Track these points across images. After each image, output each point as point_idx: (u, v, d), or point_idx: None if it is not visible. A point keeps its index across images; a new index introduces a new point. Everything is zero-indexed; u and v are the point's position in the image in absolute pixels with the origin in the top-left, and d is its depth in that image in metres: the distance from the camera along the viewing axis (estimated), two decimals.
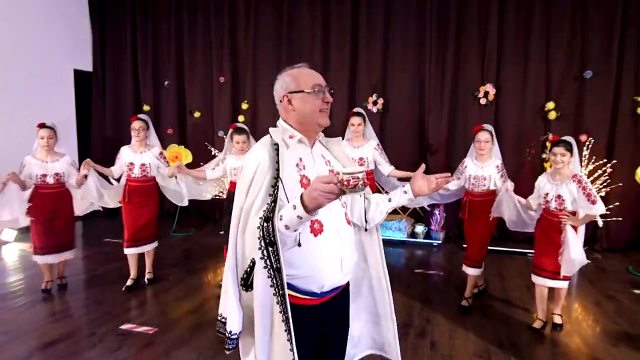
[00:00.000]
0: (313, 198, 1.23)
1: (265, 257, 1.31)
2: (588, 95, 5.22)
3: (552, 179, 3.14)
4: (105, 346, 2.98)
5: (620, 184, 4.98)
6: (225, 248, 3.83)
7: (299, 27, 6.26)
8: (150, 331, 3.20)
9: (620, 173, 5.03)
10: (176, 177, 4.10)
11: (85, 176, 3.77)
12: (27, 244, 4.34)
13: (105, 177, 4.09)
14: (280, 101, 1.52)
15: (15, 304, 3.66)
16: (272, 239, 1.30)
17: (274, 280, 1.32)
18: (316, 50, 6.14)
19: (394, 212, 5.67)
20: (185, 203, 4.27)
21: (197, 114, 6.84)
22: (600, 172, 5.01)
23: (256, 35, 6.45)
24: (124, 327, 3.26)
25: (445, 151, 5.75)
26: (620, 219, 4.98)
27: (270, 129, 1.50)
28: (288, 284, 1.37)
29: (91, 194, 3.93)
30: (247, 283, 1.39)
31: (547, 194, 3.14)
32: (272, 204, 1.32)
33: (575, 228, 3.05)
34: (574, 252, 3.00)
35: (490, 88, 5.47)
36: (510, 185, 3.34)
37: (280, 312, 1.32)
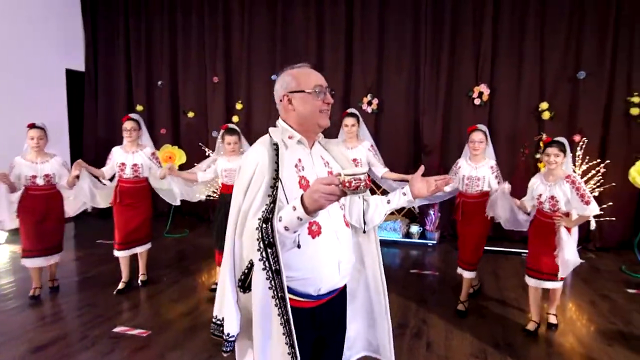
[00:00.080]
0: (314, 200, 1.21)
1: (264, 259, 1.30)
2: (581, 96, 5.26)
3: (545, 180, 3.14)
4: (98, 349, 2.94)
5: (614, 184, 5.02)
6: (216, 252, 3.79)
7: (293, 28, 6.25)
8: (143, 334, 3.16)
9: (614, 173, 5.06)
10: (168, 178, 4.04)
11: (77, 177, 3.72)
12: (17, 245, 4.29)
13: (97, 178, 4.04)
14: (280, 100, 1.50)
15: (6, 307, 3.60)
16: (272, 240, 1.28)
17: (273, 282, 1.30)
18: (310, 51, 6.13)
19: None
20: (178, 202, 4.23)
21: (190, 114, 6.80)
22: (593, 172, 5.04)
23: (250, 35, 6.42)
24: (116, 329, 3.22)
25: (439, 152, 5.77)
26: (614, 218, 5.02)
27: (270, 129, 1.48)
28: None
29: (84, 194, 3.88)
30: (244, 284, 1.37)
31: (540, 195, 3.14)
32: (272, 205, 1.30)
33: (568, 229, 3.05)
34: (567, 253, 3.00)
35: (484, 88, 5.49)
36: (507, 187, 3.33)
37: (279, 314, 1.31)
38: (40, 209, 3.67)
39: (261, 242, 1.29)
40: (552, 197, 3.06)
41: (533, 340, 3.10)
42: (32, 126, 3.65)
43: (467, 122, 5.24)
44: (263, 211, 1.31)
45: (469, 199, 3.55)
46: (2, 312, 3.51)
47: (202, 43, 6.65)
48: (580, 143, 5.08)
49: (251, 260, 1.34)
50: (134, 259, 4.08)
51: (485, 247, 3.70)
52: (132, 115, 3.99)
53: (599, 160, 5.09)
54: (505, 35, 5.47)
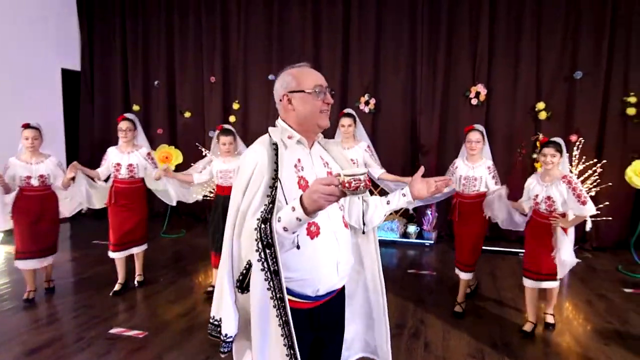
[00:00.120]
0: (313, 200, 1.20)
1: (263, 260, 1.29)
2: (578, 96, 5.27)
3: (541, 180, 3.13)
4: (94, 351, 2.92)
5: (610, 184, 5.03)
6: (212, 254, 3.78)
7: (289, 27, 6.24)
8: (140, 335, 3.14)
9: (610, 173, 5.08)
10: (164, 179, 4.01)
11: (73, 179, 3.67)
12: (12, 246, 4.25)
13: (92, 179, 4.00)
14: (280, 100, 1.49)
15: (1, 308, 3.57)
16: (270, 240, 1.27)
17: (271, 283, 1.29)
18: (307, 51, 6.12)
19: None
20: (174, 203, 4.20)
21: (187, 114, 6.78)
22: (590, 172, 5.05)
23: (247, 35, 6.41)
24: (113, 331, 3.20)
25: (436, 151, 5.77)
26: (610, 218, 5.04)
27: (269, 129, 1.47)
28: None
29: (80, 195, 3.84)
30: (242, 285, 1.36)
31: (536, 196, 3.13)
32: (270, 205, 1.29)
33: (565, 230, 3.04)
34: (564, 253, 3.01)
35: (481, 88, 5.50)
36: (504, 191, 3.31)
37: (277, 316, 1.30)
38: (34, 210, 3.64)
39: (260, 243, 1.28)
40: (549, 198, 3.06)
41: (530, 340, 3.10)
42: (26, 126, 3.62)
43: (464, 122, 5.25)
44: (262, 211, 1.30)
45: (466, 199, 3.53)
46: None
47: (199, 43, 6.63)
48: (577, 143, 5.10)
49: (249, 260, 1.33)
50: (129, 259, 4.06)
51: (483, 247, 3.69)
52: (128, 115, 3.96)
53: (595, 160, 5.11)
54: (501, 35, 5.48)
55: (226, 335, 1.42)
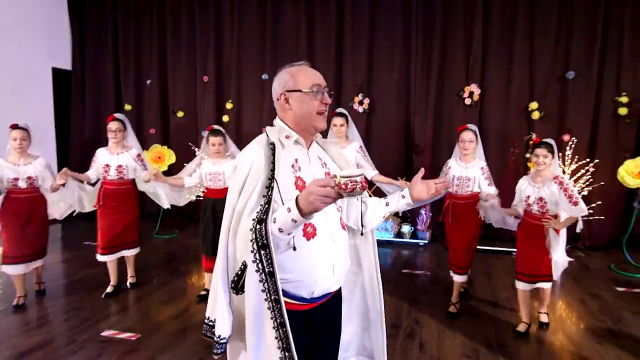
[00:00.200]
0: (309, 202, 1.19)
1: (258, 261, 1.27)
2: (571, 96, 5.31)
3: (533, 182, 3.13)
4: (86, 354, 2.88)
5: (602, 183, 5.06)
6: (203, 257, 3.74)
7: (283, 27, 6.21)
8: (132, 337, 3.10)
9: (602, 172, 5.11)
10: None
11: (63, 185, 3.57)
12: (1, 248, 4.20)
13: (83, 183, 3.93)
14: (278, 99, 1.47)
15: None
16: (265, 241, 1.25)
17: (266, 284, 1.27)
18: (301, 50, 6.10)
19: None
20: (168, 206, 4.15)
21: (180, 114, 6.73)
22: (582, 171, 5.08)
23: (240, 34, 6.37)
24: (105, 333, 3.16)
25: (430, 151, 5.78)
26: (603, 217, 5.06)
27: (267, 128, 1.45)
28: None
29: (72, 197, 3.78)
30: (237, 286, 1.34)
31: (528, 197, 3.13)
32: (266, 206, 1.28)
33: (557, 231, 3.04)
34: (556, 255, 3.02)
35: (475, 88, 5.51)
36: (496, 202, 3.30)
37: (272, 318, 1.28)
38: (22, 213, 3.56)
39: (255, 244, 1.26)
40: (541, 199, 3.05)
41: (524, 340, 3.11)
42: (14, 127, 3.53)
43: (458, 122, 5.25)
44: (257, 212, 1.28)
45: (459, 200, 3.51)
46: None
47: (192, 42, 6.58)
48: (570, 142, 5.13)
49: (244, 261, 1.31)
50: (121, 261, 4.01)
51: (477, 247, 3.69)
52: (117, 115, 3.89)
53: (588, 160, 5.13)
54: (495, 36, 5.50)
55: (219, 336, 1.40)
